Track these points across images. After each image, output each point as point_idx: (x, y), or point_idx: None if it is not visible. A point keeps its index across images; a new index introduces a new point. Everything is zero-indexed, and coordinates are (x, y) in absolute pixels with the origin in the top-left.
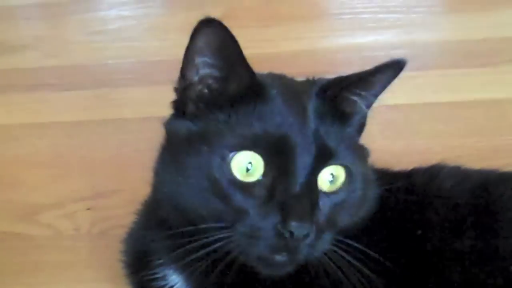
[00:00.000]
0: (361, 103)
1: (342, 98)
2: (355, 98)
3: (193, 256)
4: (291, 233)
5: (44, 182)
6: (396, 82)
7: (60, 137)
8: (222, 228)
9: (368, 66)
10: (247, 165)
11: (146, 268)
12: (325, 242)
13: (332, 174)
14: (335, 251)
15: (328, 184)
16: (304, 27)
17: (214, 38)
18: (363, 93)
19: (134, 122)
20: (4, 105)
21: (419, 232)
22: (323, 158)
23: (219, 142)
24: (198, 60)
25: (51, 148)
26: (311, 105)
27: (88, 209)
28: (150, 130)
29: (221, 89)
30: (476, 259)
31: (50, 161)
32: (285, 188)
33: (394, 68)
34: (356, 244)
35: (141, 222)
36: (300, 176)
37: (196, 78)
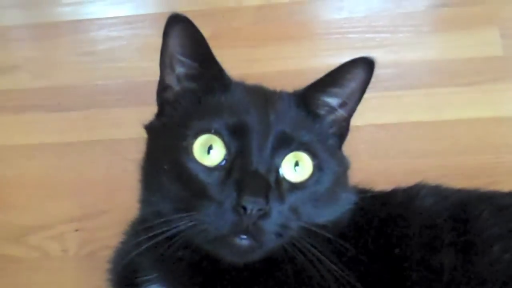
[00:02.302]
0: (332, 103)
1: (312, 98)
2: (325, 98)
3: (169, 254)
4: (244, 208)
5: (32, 203)
6: (382, 101)
7: (49, 158)
8: (186, 212)
9: None
10: (208, 149)
11: (132, 285)
12: (290, 230)
13: (297, 162)
14: (306, 244)
15: (293, 172)
16: (292, 47)
17: (183, 36)
18: (333, 91)
19: (123, 143)
20: None
21: (397, 250)
22: (283, 142)
23: (184, 129)
24: (172, 61)
25: (40, 169)
26: (279, 102)
27: (77, 230)
28: (139, 151)
29: (194, 85)
30: (454, 276)
31: (39, 182)
32: (241, 167)
33: (361, 65)
34: (328, 235)
35: (128, 240)
36: (256, 156)
37: (172, 80)
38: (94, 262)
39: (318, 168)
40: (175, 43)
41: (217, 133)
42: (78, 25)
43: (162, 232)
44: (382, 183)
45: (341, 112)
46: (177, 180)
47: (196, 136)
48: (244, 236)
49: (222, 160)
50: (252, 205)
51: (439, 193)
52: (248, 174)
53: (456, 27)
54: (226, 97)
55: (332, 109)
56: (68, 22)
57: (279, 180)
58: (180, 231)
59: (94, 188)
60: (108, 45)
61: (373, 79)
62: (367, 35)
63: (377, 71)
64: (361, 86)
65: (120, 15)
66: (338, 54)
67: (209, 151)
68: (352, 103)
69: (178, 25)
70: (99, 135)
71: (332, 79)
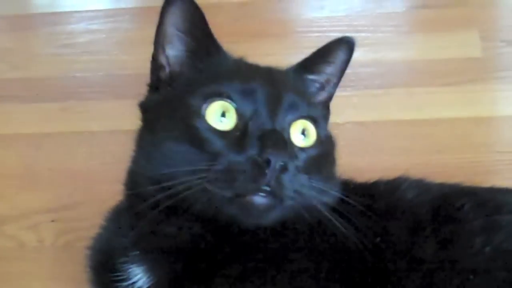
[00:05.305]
0: (319, 80)
1: (305, 77)
2: (313, 75)
3: (155, 230)
4: (268, 161)
5: (8, 193)
6: (362, 99)
7: (26, 148)
8: (197, 171)
9: None
10: (220, 115)
11: (112, 270)
12: (305, 190)
13: (303, 130)
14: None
15: (300, 138)
16: (273, 43)
17: (181, 15)
18: (320, 68)
19: (101, 135)
20: None
21: (378, 239)
22: (292, 108)
23: (193, 95)
24: (168, 41)
25: (17, 159)
26: (279, 74)
27: (53, 221)
28: (116, 143)
29: (193, 64)
30: (436, 267)
31: (15, 172)
32: (258, 127)
33: (343, 43)
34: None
35: (109, 226)
36: (271, 118)
37: (166, 60)
38: (71, 253)
39: (319, 137)
40: (172, 20)
41: (228, 97)
42: (57, 18)
43: (168, 196)
44: (361, 180)
45: (325, 92)
46: (188, 145)
47: (206, 100)
48: (263, 194)
49: (235, 125)
50: (276, 157)
51: (421, 186)
52: (267, 131)
53: (436, 28)
54: (229, 66)
55: (320, 87)
56: (46, 14)
57: (290, 141)
58: (183, 196)
59: (71, 180)
60: (87, 38)
61: (353, 77)
62: (347, 34)
63: (357, 70)
64: (343, 62)
65: (100, 8)
66: None
67: (221, 117)
68: (334, 83)
69: (176, 4)
70: (77, 127)
71: (320, 56)
